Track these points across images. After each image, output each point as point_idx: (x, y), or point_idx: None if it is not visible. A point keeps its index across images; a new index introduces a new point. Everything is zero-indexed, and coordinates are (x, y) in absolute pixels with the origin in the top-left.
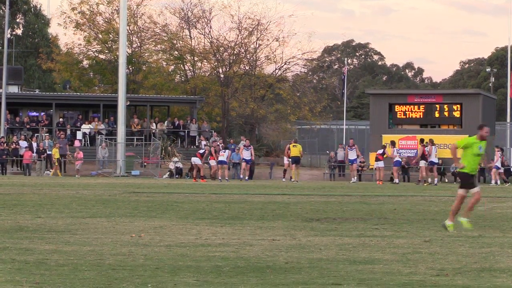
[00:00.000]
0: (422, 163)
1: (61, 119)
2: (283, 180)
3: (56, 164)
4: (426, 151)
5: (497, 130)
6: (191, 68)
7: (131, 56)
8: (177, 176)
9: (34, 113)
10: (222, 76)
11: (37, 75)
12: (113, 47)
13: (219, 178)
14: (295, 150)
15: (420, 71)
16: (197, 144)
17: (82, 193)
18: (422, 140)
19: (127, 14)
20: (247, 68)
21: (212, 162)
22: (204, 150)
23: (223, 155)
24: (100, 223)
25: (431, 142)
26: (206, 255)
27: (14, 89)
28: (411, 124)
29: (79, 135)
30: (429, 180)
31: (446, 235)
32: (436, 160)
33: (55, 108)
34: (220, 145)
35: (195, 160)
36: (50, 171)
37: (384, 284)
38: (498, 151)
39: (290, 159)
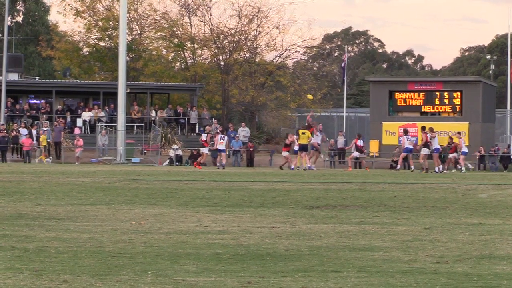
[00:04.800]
0: (425, 151)
1: (59, 107)
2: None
3: (43, 151)
4: (430, 139)
5: (498, 117)
6: (191, 56)
7: (131, 44)
8: (177, 163)
9: (35, 101)
10: (222, 63)
11: (37, 63)
12: (113, 34)
13: (218, 164)
14: (304, 137)
15: (420, 58)
16: (197, 132)
17: (82, 181)
18: (423, 128)
19: (127, 1)
20: (247, 55)
21: (205, 150)
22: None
23: (222, 143)
24: (100, 210)
25: (431, 130)
26: (206, 242)
27: (14, 77)
28: (411, 111)
29: (79, 122)
30: (436, 168)
31: (446, 223)
32: (439, 147)
33: (55, 96)
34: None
35: (204, 150)
36: (50, 159)
37: (384, 272)
38: (460, 138)
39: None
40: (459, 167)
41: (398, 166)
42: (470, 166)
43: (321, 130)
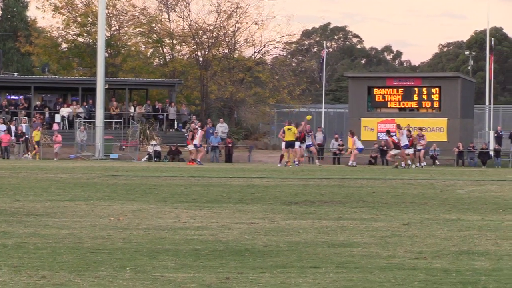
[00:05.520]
0: (395, 151)
1: (38, 102)
2: (278, 165)
3: (36, 146)
4: (396, 140)
5: (476, 113)
6: (170, 51)
7: (110, 39)
8: (155, 159)
9: (13, 97)
10: (201, 59)
11: (15, 59)
12: (92, 30)
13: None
14: (290, 134)
15: (398, 54)
16: (176, 128)
17: (61, 177)
18: (388, 132)
19: None
20: (226, 51)
21: (190, 147)
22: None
23: (195, 139)
24: (79, 206)
25: (398, 127)
26: (185, 238)
27: None
28: (389, 107)
29: (57, 118)
30: (403, 163)
31: (425, 218)
32: (408, 143)
33: (34, 92)
34: (198, 127)
35: (189, 147)
36: (29, 154)
37: (363, 267)
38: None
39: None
40: (420, 164)
41: (353, 163)
42: (419, 164)
43: (309, 131)
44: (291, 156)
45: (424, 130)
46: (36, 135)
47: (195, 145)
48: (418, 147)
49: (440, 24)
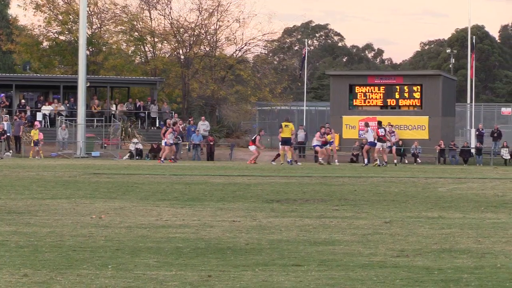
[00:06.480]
0: (378, 145)
1: (22, 101)
2: (273, 163)
3: (33, 145)
4: (381, 133)
5: (458, 111)
6: (151, 49)
7: (91, 37)
8: (137, 157)
9: None
10: (182, 57)
11: None
12: (73, 28)
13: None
14: (287, 130)
15: (380, 52)
16: (157, 126)
17: (42, 175)
18: (379, 123)
19: None
20: (207, 49)
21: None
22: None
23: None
24: (61, 204)
25: (366, 125)
26: (167, 236)
27: None
28: (371, 105)
29: (39, 116)
30: (365, 160)
31: (406, 216)
32: (373, 140)
33: (15, 90)
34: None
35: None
36: (10, 153)
37: (345, 265)
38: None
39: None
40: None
41: (328, 161)
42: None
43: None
44: (289, 153)
45: (403, 128)
46: (35, 134)
47: (165, 143)
48: (389, 144)
49: (422, 22)
